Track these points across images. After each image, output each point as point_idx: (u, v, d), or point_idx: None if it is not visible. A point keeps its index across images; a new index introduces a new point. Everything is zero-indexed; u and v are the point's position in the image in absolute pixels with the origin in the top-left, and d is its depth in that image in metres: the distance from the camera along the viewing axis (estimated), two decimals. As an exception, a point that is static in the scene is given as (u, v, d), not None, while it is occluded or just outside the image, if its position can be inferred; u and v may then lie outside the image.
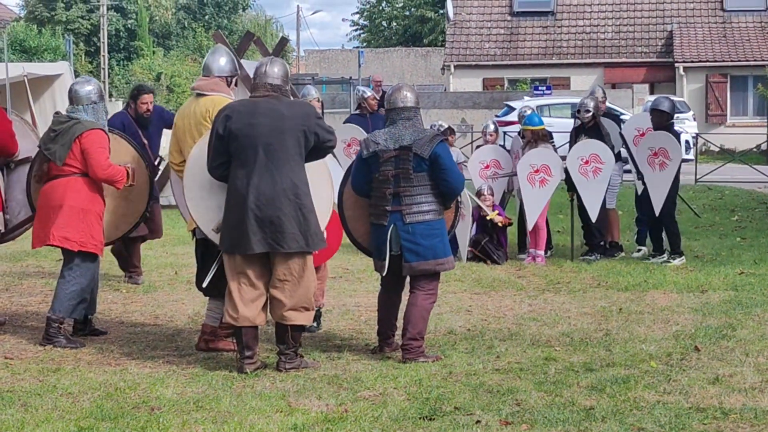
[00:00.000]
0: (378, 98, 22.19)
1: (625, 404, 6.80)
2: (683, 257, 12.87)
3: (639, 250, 13.58)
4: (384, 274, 8.18)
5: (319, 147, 7.67)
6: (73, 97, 8.72)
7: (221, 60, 8.47)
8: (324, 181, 8.06)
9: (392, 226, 8.00)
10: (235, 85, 8.63)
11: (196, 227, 8.12)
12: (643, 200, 13.30)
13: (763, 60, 38.52)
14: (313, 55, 67.33)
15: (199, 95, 8.35)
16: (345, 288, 11.38)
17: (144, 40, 61.54)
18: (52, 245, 8.67)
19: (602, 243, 13.40)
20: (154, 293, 11.16)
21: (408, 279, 8.30)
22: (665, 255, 12.96)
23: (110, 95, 49.02)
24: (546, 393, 7.06)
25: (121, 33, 61.77)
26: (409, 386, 7.25)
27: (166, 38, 66.89)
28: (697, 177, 24.85)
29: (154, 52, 61.44)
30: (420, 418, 6.54)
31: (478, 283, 11.69)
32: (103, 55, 54.54)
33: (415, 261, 8.01)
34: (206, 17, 68.57)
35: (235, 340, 7.85)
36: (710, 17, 41.99)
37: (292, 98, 7.90)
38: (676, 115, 13.69)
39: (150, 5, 64.13)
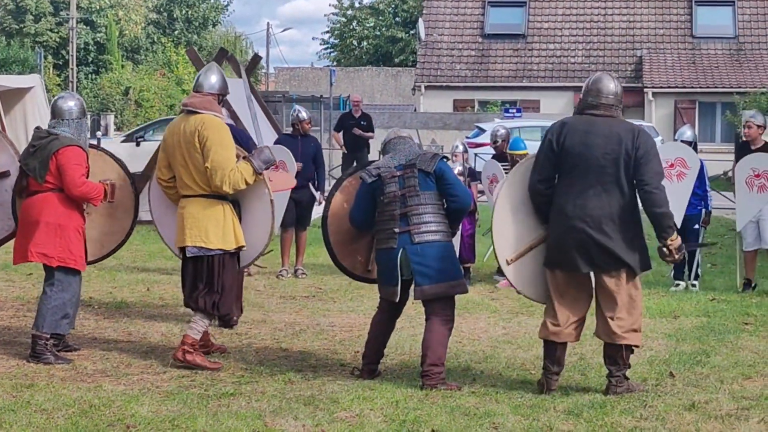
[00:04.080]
0: (356, 117, 22.13)
1: (603, 429, 6.79)
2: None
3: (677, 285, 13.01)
4: (397, 300, 8.03)
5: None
6: (55, 112, 8.66)
7: (212, 78, 8.52)
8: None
9: (401, 249, 7.84)
10: (223, 105, 8.63)
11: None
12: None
13: (732, 87, 38.78)
14: (283, 72, 67.39)
15: (190, 112, 8.33)
16: (318, 307, 11.33)
17: (113, 54, 61.37)
18: (31, 261, 8.61)
19: None
20: (126, 309, 11.08)
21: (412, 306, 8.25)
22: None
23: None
24: (523, 417, 7.04)
25: (90, 46, 61.60)
26: (386, 408, 7.21)
27: (135, 52, 66.74)
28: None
29: (123, 66, 61.30)
30: (398, 441, 6.52)
31: (452, 304, 11.64)
32: (72, 68, 54.33)
33: (428, 284, 7.84)
34: (176, 32, 68.50)
35: (544, 354, 7.81)
36: (680, 44, 42.26)
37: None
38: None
39: (120, 19, 63.97)
